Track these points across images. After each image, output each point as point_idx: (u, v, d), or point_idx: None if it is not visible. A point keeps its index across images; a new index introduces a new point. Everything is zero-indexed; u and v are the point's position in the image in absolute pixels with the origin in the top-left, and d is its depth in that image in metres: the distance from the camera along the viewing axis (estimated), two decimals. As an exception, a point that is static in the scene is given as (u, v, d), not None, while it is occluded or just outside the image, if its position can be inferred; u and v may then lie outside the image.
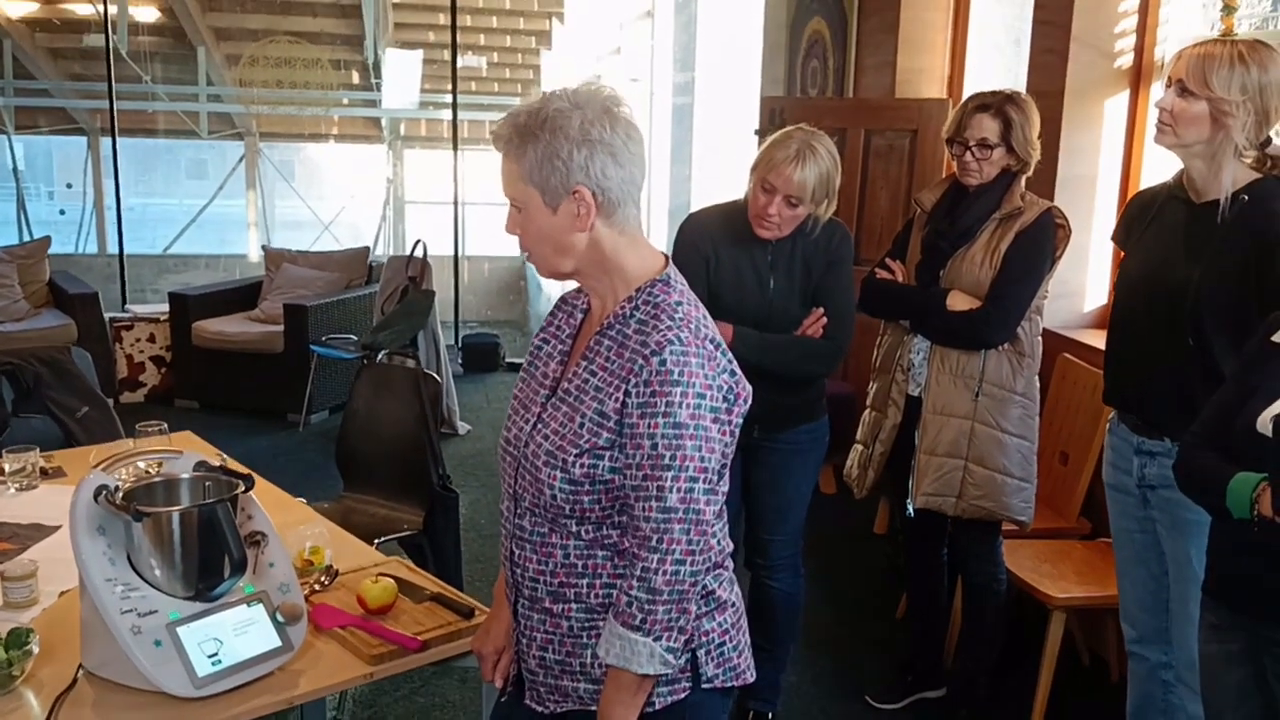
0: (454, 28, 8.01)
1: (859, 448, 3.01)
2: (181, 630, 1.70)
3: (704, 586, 1.53)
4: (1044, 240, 2.69)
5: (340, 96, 10.75)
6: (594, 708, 1.54)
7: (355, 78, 11.21)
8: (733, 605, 1.60)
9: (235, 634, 1.75)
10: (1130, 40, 3.51)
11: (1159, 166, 3.24)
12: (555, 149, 1.44)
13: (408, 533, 3.19)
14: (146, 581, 1.72)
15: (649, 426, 1.42)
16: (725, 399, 1.48)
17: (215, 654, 1.71)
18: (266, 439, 5.64)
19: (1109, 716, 2.80)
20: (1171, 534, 2.24)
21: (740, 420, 1.53)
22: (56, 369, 3.43)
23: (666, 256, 1.58)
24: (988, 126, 2.67)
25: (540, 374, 1.62)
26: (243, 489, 1.82)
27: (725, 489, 1.52)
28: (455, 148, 7.95)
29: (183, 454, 1.99)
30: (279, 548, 1.88)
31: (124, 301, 7.31)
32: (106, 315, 6.26)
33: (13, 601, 1.97)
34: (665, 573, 1.43)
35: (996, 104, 2.68)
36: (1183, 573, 2.22)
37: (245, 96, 9.99)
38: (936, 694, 3.11)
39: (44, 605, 1.99)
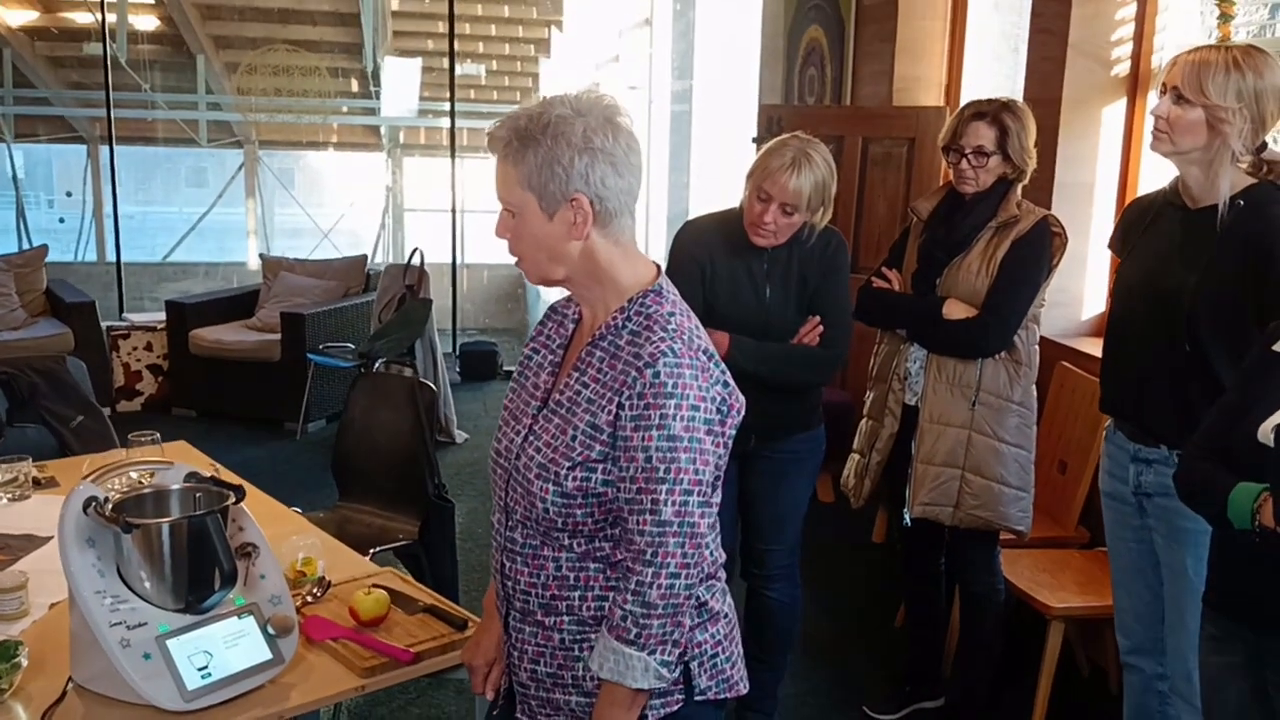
0: (451, 35, 8.03)
1: (856, 457, 3.00)
2: (171, 643, 1.69)
3: (696, 598, 1.52)
4: (1040, 248, 2.68)
5: (339, 104, 10.78)
6: (586, 720, 1.53)
7: (354, 86, 11.23)
8: (725, 616, 1.58)
9: (226, 646, 1.73)
10: (1127, 48, 3.51)
11: (1156, 174, 3.23)
12: (556, 155, 1.43)
13: (403, 542, 3.18)
14: (136, 594, 1.71)
15: (643, 439, 1.41)
16: (719, 410, 1.47)
17: (205, 667, 1.70)
18: (263, 448, 5.63)
19: (1108, 727, 2.79)
20: (1168, 543, 2.23)
21: (734, 431, 1.52)
22: (51, 378, 3.42)
23: (659, 266, 1.57)
24: (984, 134, 2.66)
25: (531, 385, 1.61)
26: (233, 500, 1.81)
27: (718, 500, 1.51)
28: (453, 155, 7.96)
29: (174, 465, 1.98)
30: (270, 559, 1.87)
31: (121, 310, 7.31)
32: (104, 324, 6.25)
33: (2, 614, 1.96)
34: (660, 586, 1.42)
35: (993, 112, 2.67)
36: (1178, 582, 2.21)
37: (244, 105, 10.00)
38: (935, 704, 3.10)
39: (34, 617, 1.98)
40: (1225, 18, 3.08)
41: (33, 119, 11.37)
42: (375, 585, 2.06)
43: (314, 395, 5.86)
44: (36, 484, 2.67)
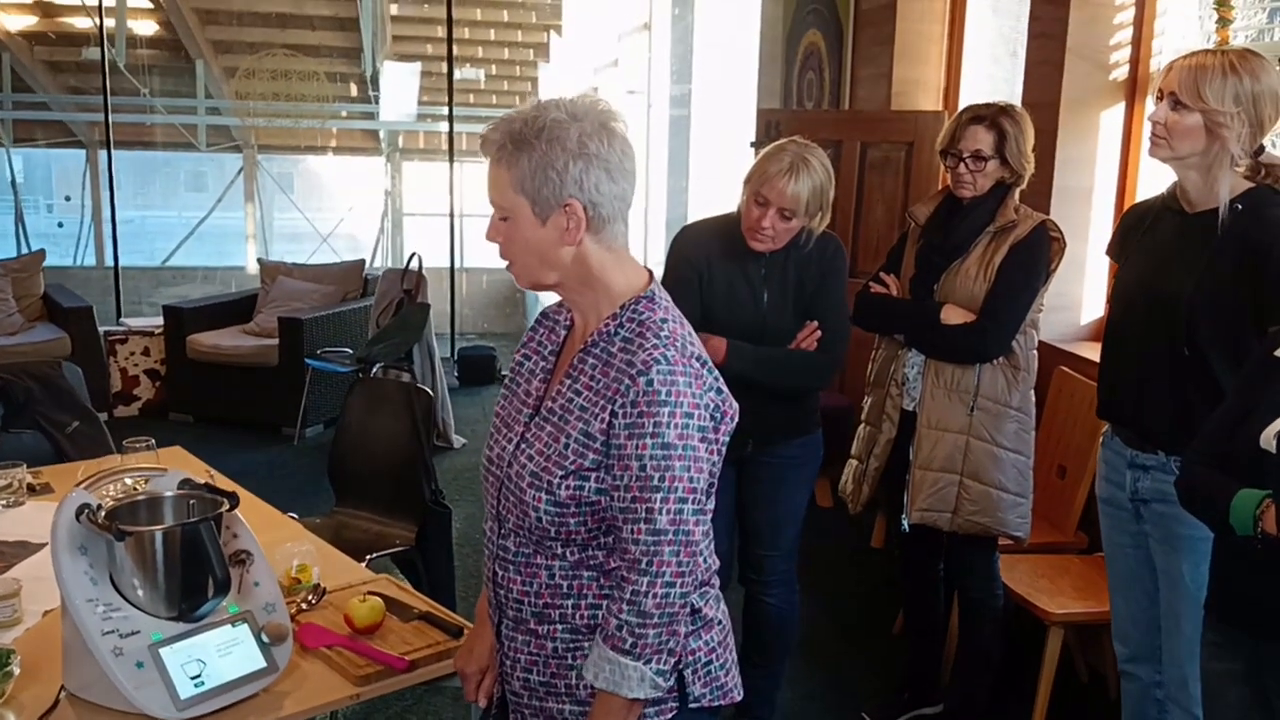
0: (450, 40, 8.03)
1: (854, 463, 2.99)
2: (164, 651, 1.68)
3: (691, 605, 1.50)
4: (1038, 253, 2.67)
5: (338, 109, 10.77)
6: (579, 729, 1.52)
7: (353, 90, 11.24)
8: (719, 623, 1.57)
9: (219, 655, 1.72)
10: (1125, 52, 3.51)
11: (1154, 178, 3.23)
12: (551, 160, 1.42)
13: (400, 549, 3.17)
14: (129, 602, 1.70)
15: (637, 448, 1.40)
16: (713, 418, 1.46)
17: (198, 675, 1.69)
18: (261, 453, 5.62)
19: (1107, 733, 2.78)
20: (1164, 549, 2.22)
21: (727, 438, 1.51)
22: (47, 384, 3.41)
23: (651, 273, 1.56)
24: (982, 138, 2.65)
25: (523, 392, 1.60)
26: (227, 507, 1.80)
27: (713, 507, 1.50)
28: (452, 160, 7.96)
29: (167, 471, 1.97)
30: (264, 566, 1.86)
31: (119, 314, 7.30)
32: (101, 329, 6.24)
33: (-5, 621, 1.94)
34: (655, 595, 1.40)
35: (991, 116, 2.66)
36: (1175, 588, 2.20)
37: (243, 109, 10.00)
38: (933, 711, 3.09)
39: (27, 625, 1.97)
40: (1224, 21, 3.08)
41: (31, 124, 11.38)
42: (370, 592, 2.05)
43: (311, 400, 5.85)
44: (31, 490, 2.65)
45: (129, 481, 2.31)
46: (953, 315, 2.69)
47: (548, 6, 11.10)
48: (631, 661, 1.41)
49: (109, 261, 8.17)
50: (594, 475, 1.44)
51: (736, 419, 1.52)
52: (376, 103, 11.05)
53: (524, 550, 1.52)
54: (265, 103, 9.76)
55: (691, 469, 1.41)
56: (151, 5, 10.32)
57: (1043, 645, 2.91)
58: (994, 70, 4.70)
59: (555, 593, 1.51)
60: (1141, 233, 2.29)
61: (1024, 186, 2.73)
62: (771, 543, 2.81)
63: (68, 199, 16.51)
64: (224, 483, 2.41)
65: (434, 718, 3.10)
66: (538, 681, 1.55)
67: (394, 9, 10.87)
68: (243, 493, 2.05)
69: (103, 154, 8.37)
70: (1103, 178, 3.58)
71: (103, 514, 1.70)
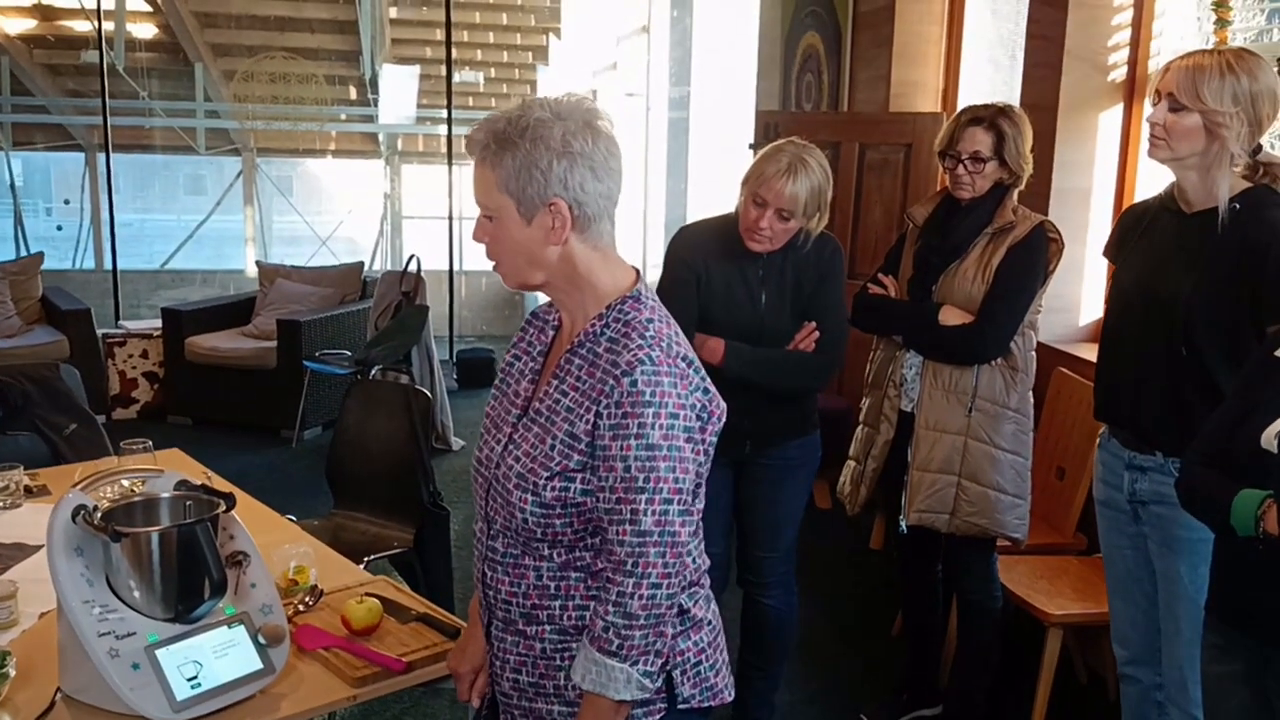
0: (449, 43, 8.02)
1: (852, 464, 2.99)
2: (160, 653, 1.67)
3: (679, 606, 1.50)
4: (1036, 255, 2.67)
5: (337, 112, 10.76)
6: (568, 730, 1.51)
7: (352, 93, 11.23)
8: (709, 624, 1.57)
9: (216, 656, 1.72)
10: (1124, 54, 3.51)
11: (1152, 179, 3.22)
12: (535, 159, 1.41)
13: (398, 550, 3.16)
14: (125, 603, 1.70)
15: (621, 449, 1.39)
16: (699, 418, 1.45)
17: (195, 677, 1.68)
18: (259, 455, 5.61)
19: (1106, 735, 2.78)
20: (1162, 551, 2.22)
21: (714, 438, 1.50)
22: (45, 387, 3.41)
23: (638, 272, 1.55)
24: (980, 140, 2.65)
25: (512, 392, 1.59)
26: (223, 508, 1.79)
27: (700, 507, 1.49)
28: (450, 162, 7.95)
29: (164, 473, 1.97)
30: (261, 568, 1.85)
31: (117, 317, 7.29)
32: (99, 331, 6.24)
33: (-9, 623, 1.94)
34: (641, 597, 1.40)
35: (989, 117, 2.66)
36: (1173, 590, 2.19)
37: (242, 112, 9.99)
38: (932, 712, 3.08)
39: (24, 627, 1.97)
40: (1222, 23, 3.08)
41: (30, 127, 11.37)
42: (368, 594, 2.05)
43: (310, 402, 5.85)
44: (28, 492, 2.65)
45: (125, 483, 2.30)
46: (951, 316, 2.68)
47: (546, 9, 11.11)
48: (618, 663, 1.41)
49: (108, 265, 8.17)
50: (579, 476, 1.44)
51: (724, 419, 1.51)
52: (375, 106, 11.04)
53: (512, 551, 1.52)
54: (264, 106, 9.76)
55: (677, 470, 1.40)
56: (150, 8, 10.32)
57: (1042, 646, 2.91)
58: (992, 72, 4.71)
59: (543, 594, 1.50)
60: (1139, 233, 2.28)
61: (1022, 188, 2.73)
62: (770, 544, 2.81)
63: (67, 202, 16.48)
64: (221, 484, 2.41)
65: (432, 719, 3.10)
66: (527, 682, 1.55)
67: (393, 12, 10.88)
68: (241, 494, 2.05)
69: (101, 157, 8.37)
70: (1101, 179, 3.58)
71: (99, 515, 1.70)
